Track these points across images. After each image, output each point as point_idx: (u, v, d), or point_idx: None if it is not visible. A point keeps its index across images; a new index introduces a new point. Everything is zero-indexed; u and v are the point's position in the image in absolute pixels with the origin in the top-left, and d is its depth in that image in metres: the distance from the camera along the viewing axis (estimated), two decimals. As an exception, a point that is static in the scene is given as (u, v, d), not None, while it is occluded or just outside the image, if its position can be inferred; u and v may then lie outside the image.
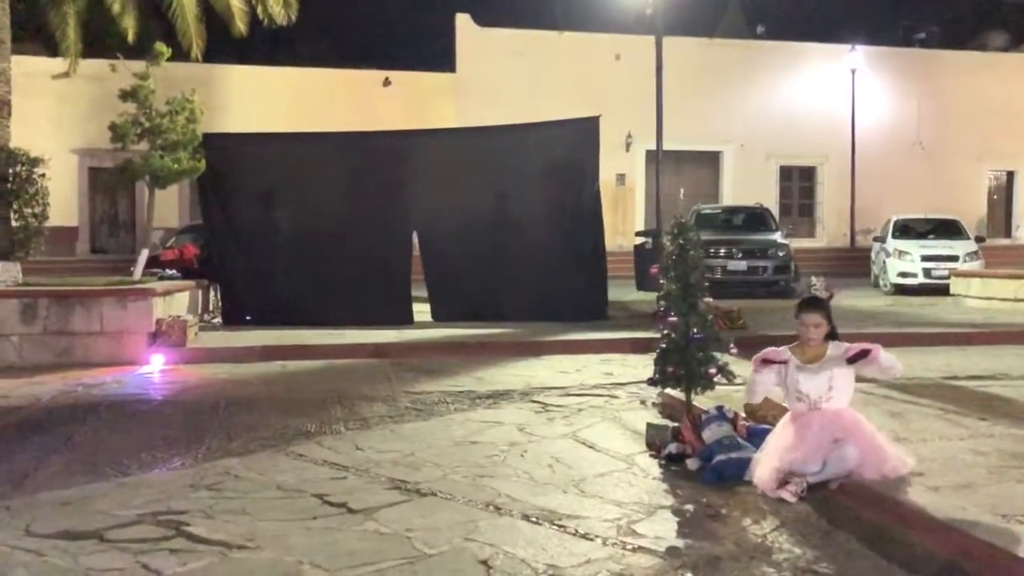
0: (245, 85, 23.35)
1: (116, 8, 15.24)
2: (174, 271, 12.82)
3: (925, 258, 16.58)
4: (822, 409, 4.18)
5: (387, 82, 24.50)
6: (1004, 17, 31.15)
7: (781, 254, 15.89)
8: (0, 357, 8.53)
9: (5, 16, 11.20)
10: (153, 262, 13.30)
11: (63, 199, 18.02)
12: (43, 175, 10.57)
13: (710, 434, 4.53)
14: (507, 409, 6.20)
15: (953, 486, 3.82)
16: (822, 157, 26.15)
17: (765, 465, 4.15)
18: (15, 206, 10.38)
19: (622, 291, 14.44)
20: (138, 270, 12.46)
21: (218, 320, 11.57)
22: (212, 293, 12.29)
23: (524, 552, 3.36)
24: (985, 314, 12.05)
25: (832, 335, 4.33)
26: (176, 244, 15.79)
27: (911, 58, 27.30)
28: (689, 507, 3.96)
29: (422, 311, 11.38)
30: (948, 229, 18.23)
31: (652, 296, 5.91)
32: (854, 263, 22.53)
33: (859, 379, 4.37)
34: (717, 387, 5.21)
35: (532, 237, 11.42)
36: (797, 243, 19.77)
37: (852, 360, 4.17)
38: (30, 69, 19.45)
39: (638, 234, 19.08)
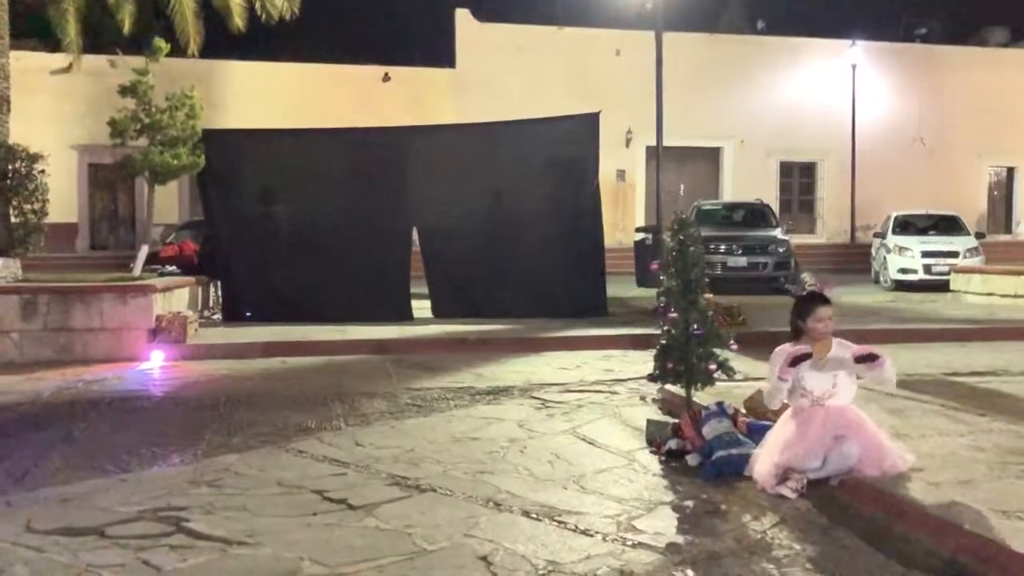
0: (245, 81, 23.31)
1: (113, 0, 15.23)
2: (174, 267, 12.81)
3: (925, 254, 16.58)
4: (825, 406, 4.17)
5: (386, 78, 24.45)
6: (1005, 13, 31.10)
7: (781, 250, 15.88)
8: (0, 353, 8.53)
9: (4, 12, 11.18)
10: (153, 258, 13.28)
11: (63, 195, 17.99)
12: (42, 171, 10.56)
13: (710, 430, 4.53)
14: (507, 405, 6.20)
15: (953, 482, 3.82)
16: (823, 153, 26.12)
17: (765, 460, 4.15)
18: (14, 202, 10.36)
19: (622, 287, 14.44)
20: (138, 266, 12.45)
21: (218, 316, 11.57)
22: (212, 289, 12.28)
23: (524, 548, 3.36)
24: (985, 310, 12.05)
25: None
26: (176, 240, 15.78)
27: (912, 54, 27.25)
28: (689, 503, 3.96)
29: (422, 307, 11.38)
30: (948, 225, 18.23)
31: (652, 292, 5.91)
32: (854, 259, 22.53)
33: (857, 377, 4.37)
34: (717, 383, 5.20)
35: (532, 233, 11.42)
36: (797, 239, 19.78)
37: (860, 360, 4.15)
38: (29, 65, 19.42)
39: (638, 230, 19.08)
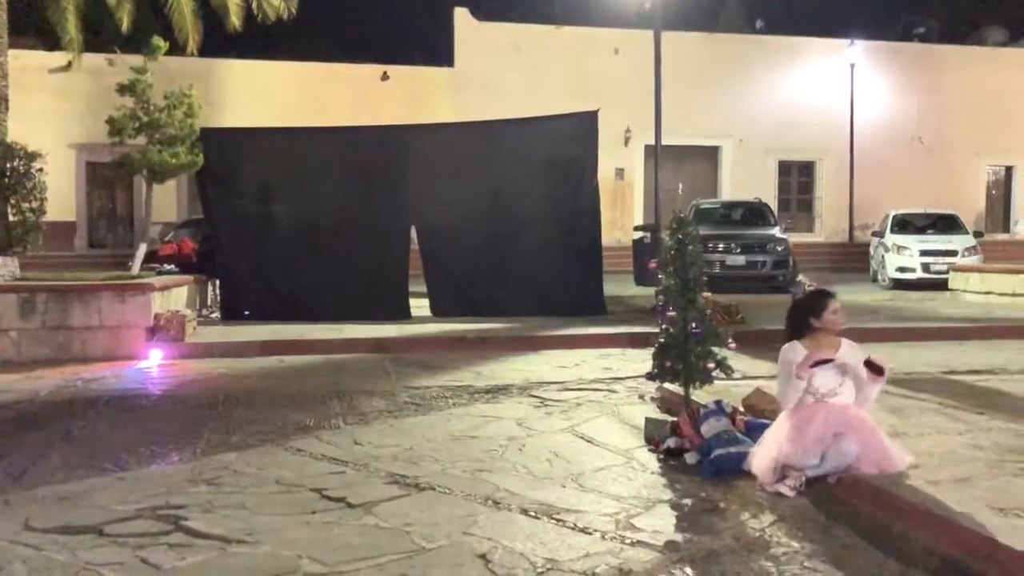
0: (243, 79, 23.29)
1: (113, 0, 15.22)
2: (172, 266, 12.81)
3: (924, 253, 16.60)
4: (827, 403, 4.17)
5: (385, 77, 24.43)
6: (1003, 12, 31.13)
7: (780, 249, 15.89)
8: (-2, 352, 8.54)
9: (2, 11, 11.17)
10: (151, 257, 13.28)
11: (61, 194, 17.98)
12: (41, 170, 10.55)
13: (708, 428, 4.53)
14: (506, 404, 6.20)
15: (951, 480, 3.82)
16: (821, 152, 26.13)
17: (764, 454, 4.16)
18: (12, 201, 10.36)
19: (621, 286, 14.45)
20: (136, 265, 12.44)
21: (216, 315, 11.57)
22: (210, 288, 12.28)
23: (523, 546, 3.36)
24: (983, 309, 12.07)
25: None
26: (174, 239, 15.77)
27: (910, 53, 27.26)
28: (687, 501, 3.97)
29: (421, 306, 11.38)
30: (947, 224, 18.25)
31: (650, 291, 5.90)
32: (853, 258, 22.56)
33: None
34: (716, 382, 5.21)
35: (531, 232, 11.43)
36: (796, 238, 19.79)
37: (871, 368, 4.16)
38: (27, 63, 19.41)
39: (637, 229, 19.08)
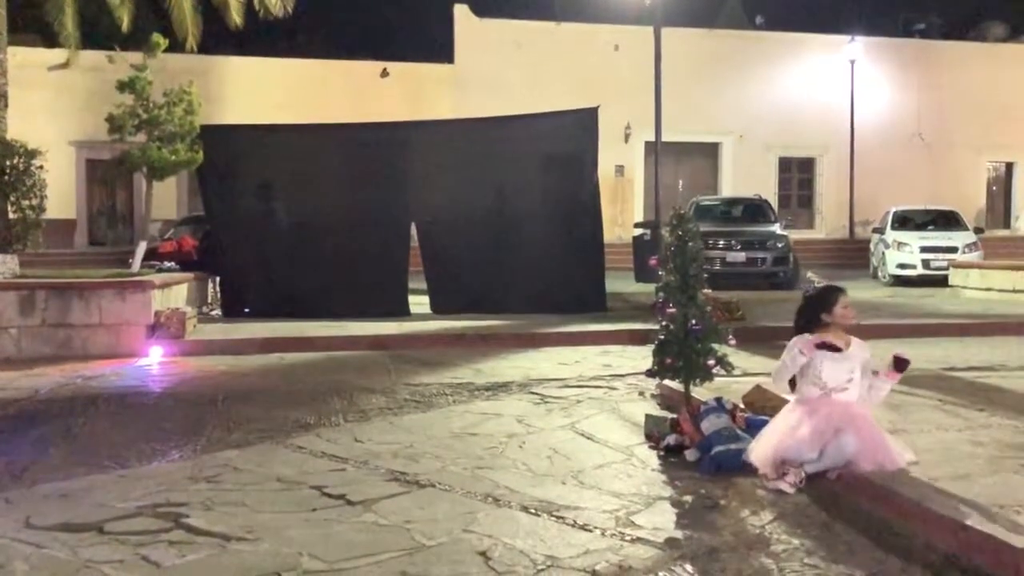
0: (243, 76, 23.27)
1: None
2: (172, 263, 12.82)
3: (924, 249, 16.61)
4: (832, 399, 4.17)
5: (385, 73, 24.42)
6: (1003, 8, 31.12)
7: (780, 245, 15.87)
8: (-1, 349, 8.54)
9: (1, 8, 11.16)
10: (151, 254, 13.28)
11: (61, 191, 17.98)
12: (40, 167, 10.55)
13: (709, 425, 4.53)
14: (506, 401, 6.20)
15: (951, 477, 3.82)
16: (821, 148, 26.12)
17: (765, 443, 4.16)
18: (12, 198, 10.36)
19: (621, 283, 14.44)
20: (136, 262, 12.44)
21: (217, 312, 11.57)
22: (211, 285, 12.28)
23: (523, 543, 3.36)
24: (984, 305, 12.06)
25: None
26: (174, 236, 15.78)
27: (911, 49, 27.23)
28: (687, 498, 3.97)
29: (421, 303, 11.38)
30: (947, 220, 18.26)
31: (651, 287, 5.91)
32: (853, 255, 22.54)
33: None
34: (716, 379, 5.21)
35: (531, 228, 11.41)
36: (796, 235, 19.77)
37: (896, 361, 4.19)
38: (27, 60, 19.37)
39: (637, 226, 19.06)
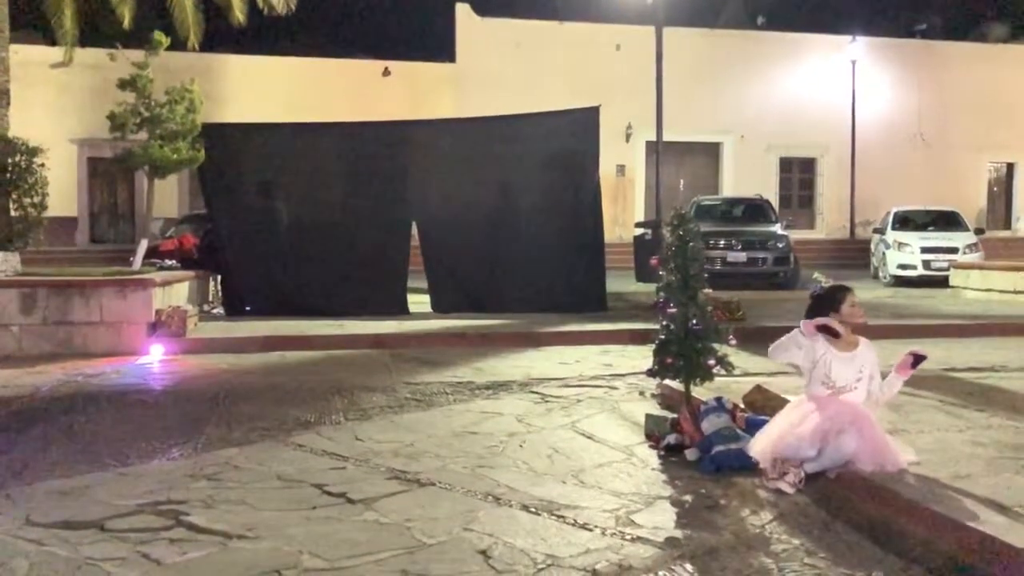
0: (244, 75, 23.27)
1: None
2: (173, 261, 12.81)
3: (925, 250, 16.60)
4: (838, 399, 4.17)
5: (386, 72, 24.42)
6: (1004, 8, 31.12)
7: (780, 245, 15.87)
8: (0, 347, 8.54)
9: (3, 5, 11.16)
10: (152, 252, 13.28)
11: (62, 189, 17.97)
12: (42, 165, 10.55)
13: (709, 425, 4.53)
14: (506, 400, 6.20)
15: (951, 477, 3.82)
16: (822, 148, 26.11)
17: (766, 437, 4.17)
18: (14, 196, 10.35)
19: (622, 282, 14.44)
20: (137, 260, 12.44)
21: (218, 310, 11.57)
22: (212, 283, 12.28)
23: (523, 542, 3.36)
24: (984, 306, 12.06)
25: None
26: (175, 234, 15.77)
27: (912, 49, 27.21)
28: (688, 498, 3.97)
29: (422, 302, 11.38)
30: (948, 221, 18.25)
31: (652, 287, 5.91)
32: (854, 255, 22.54)
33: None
34: (716, 378, 5.21)
35: (532, 228, 11.41)
36: (797, 235, 19.75)
37: (914, 356, 4.19)
38: (29, 58, 19.39)
39: (638, 225, 19.06)
